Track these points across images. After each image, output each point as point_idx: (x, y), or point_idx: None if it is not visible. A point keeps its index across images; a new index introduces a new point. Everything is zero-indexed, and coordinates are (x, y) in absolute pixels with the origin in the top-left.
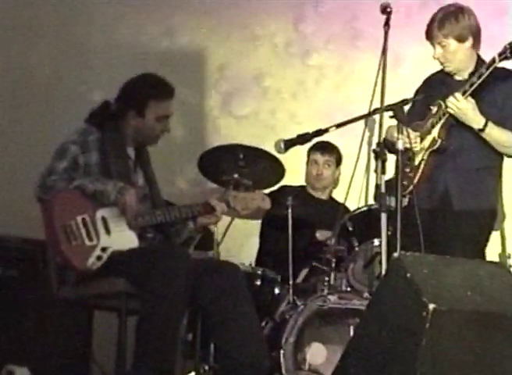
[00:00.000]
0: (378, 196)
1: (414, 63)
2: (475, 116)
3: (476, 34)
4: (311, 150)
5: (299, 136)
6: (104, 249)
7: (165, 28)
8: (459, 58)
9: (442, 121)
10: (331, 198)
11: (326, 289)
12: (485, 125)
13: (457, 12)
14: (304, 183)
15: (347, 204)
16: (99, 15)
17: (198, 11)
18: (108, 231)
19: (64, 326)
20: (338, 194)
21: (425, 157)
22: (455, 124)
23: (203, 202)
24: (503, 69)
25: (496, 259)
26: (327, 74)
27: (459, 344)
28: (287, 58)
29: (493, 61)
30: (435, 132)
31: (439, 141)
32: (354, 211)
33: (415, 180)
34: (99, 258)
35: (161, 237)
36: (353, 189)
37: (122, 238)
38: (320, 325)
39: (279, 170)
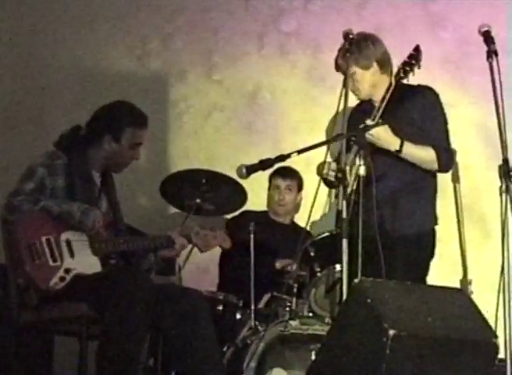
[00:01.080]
0: (339, 222)
1: None
2: (390, 139)
3: (381, 60)
4: (272, 175)
5: (261, 161)
6: (67, 271)
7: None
8: (366, 85)
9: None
10: (293, 223)
11: (288, 314)
12: (401, 145)
13: (360, 40)
14: (266, 209)
15: (309, 229)
16: (64, 38)
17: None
18: (72, 254)
19: (24, 351)
20: (299, 220)
21: (354, 187)
22: (377, 152)
23: (165, 235)
24: (415, 86)
25: (457, 285)
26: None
27: (419, 369)
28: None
29: (390, 84)
30: (357, 161)
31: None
32: (316, 236)
33: (349, 210)
34: (62, 279)
35: (124, 263)
36: (315, 214)
37: (86, 262)
38: (281, 350)
39: (241, 195)
